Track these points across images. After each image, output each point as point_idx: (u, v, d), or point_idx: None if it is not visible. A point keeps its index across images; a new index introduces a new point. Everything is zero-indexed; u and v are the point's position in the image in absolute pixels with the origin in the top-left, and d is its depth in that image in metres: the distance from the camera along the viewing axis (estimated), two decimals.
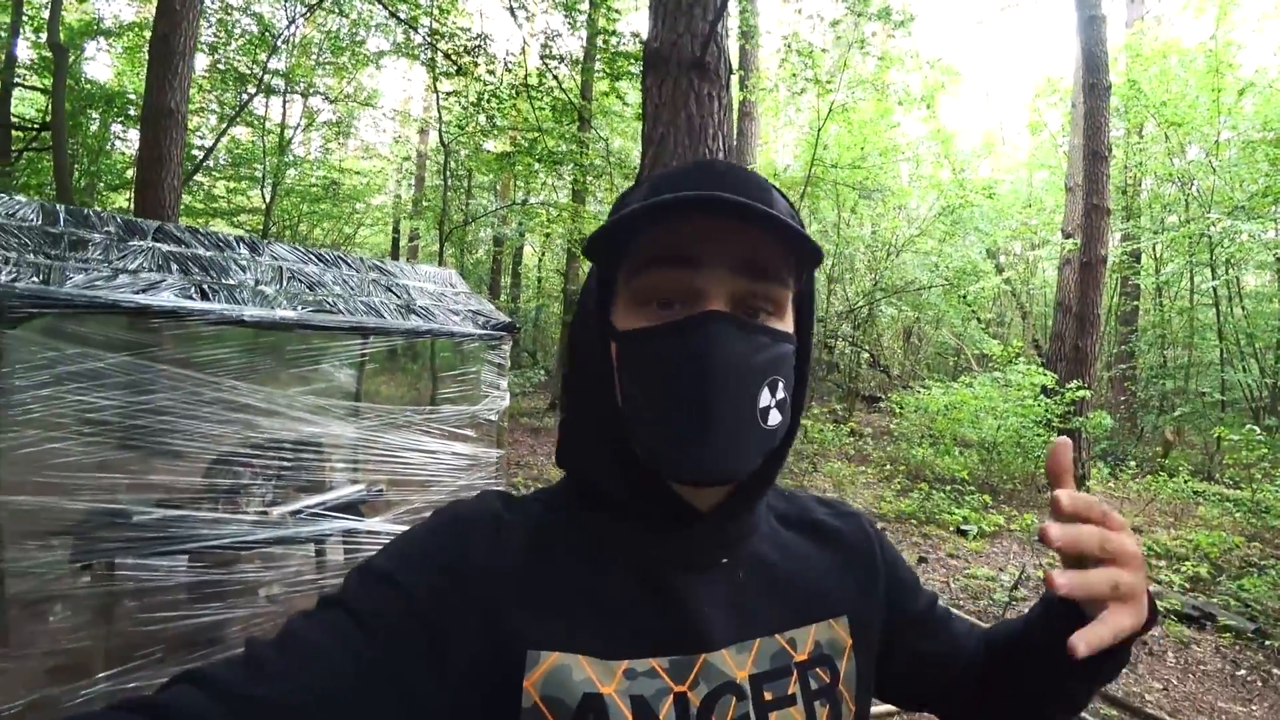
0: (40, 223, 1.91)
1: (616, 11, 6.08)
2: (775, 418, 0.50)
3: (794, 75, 7.44)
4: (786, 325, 0.52)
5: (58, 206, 2.02)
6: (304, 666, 0.44)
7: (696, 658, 0.50)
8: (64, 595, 1.86)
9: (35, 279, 1.56)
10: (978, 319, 12.31)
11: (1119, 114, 9.05)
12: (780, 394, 0.50)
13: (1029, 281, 12.93)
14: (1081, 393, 6.56)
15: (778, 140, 15.95)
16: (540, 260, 15.98)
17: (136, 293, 1.64)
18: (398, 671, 0.46)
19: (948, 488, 6.33)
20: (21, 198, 2.12)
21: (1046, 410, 6.52)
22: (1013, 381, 6.91)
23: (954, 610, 0.65)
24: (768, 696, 0.51)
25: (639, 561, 0.52)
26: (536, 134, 8.20)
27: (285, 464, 2.07)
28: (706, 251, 0.48)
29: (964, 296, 10.81)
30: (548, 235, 13.02)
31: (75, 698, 1.69)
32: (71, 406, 1.67)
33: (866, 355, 12.75)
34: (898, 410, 8.11)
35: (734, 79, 8.68)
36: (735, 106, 9.64)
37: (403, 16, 7.52)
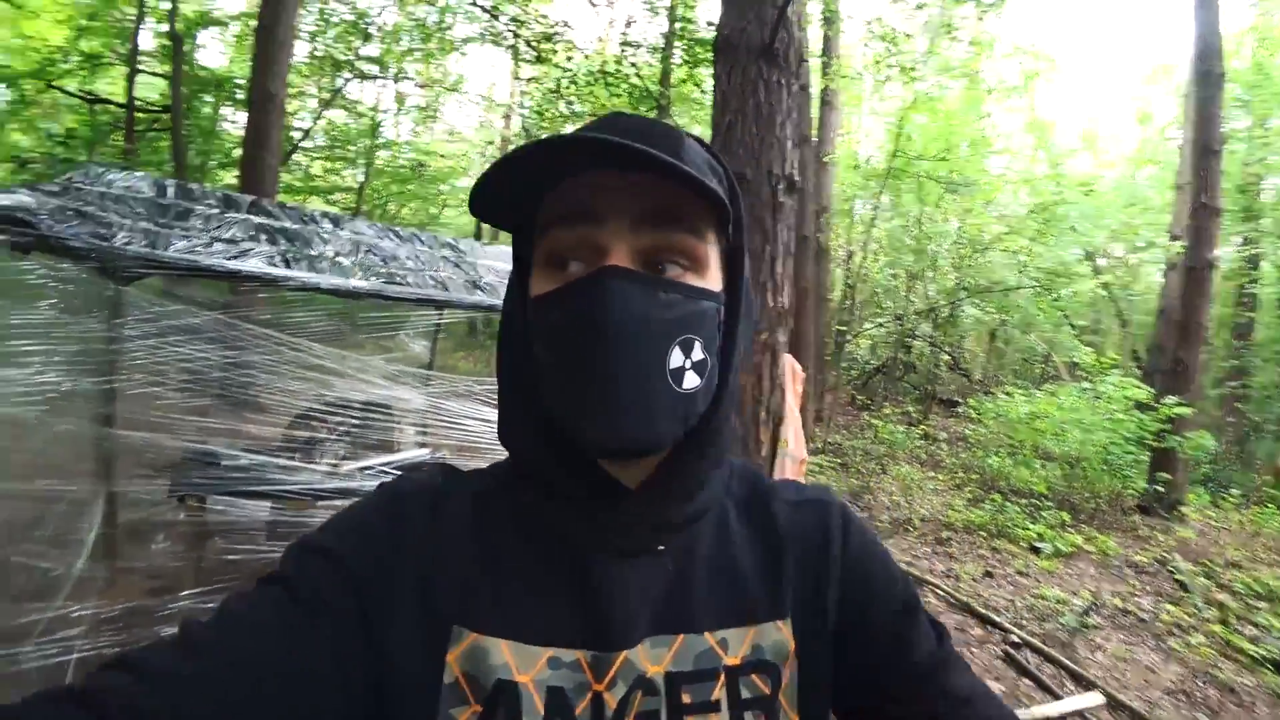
0: (153, 195, 2.13)
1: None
2: (692, 380, 0.46)
3: (877, 62, 7.18)
4: (708, 281, 0.48)
5: (167, 181, 2.24)
6: (236, 641, 0.43)
7: (617, 655, 0.47)
8: (164, 525, 2.11)
9: (145, 244, 1.75)
10: (1070, 325, 11.58)
11: (1242, 105, 8.26)
12: (698, 354, 0.46)
13: (1130, 288, 12.04)
14: (1180, 409, 6.09)
15: (860, 130, 15.45)
16: None
17: (229, 259, 1.82)
18: (331, 643, 0.44)
19: (1023, 501, 6.03)
20: (140, 173, 2.36)
21: (1139, 426, 6.10)
22: (1104, 394, 6.49)
23: (983, 686, 0.52)
24: (686, 699, 0.47)
25: (569, 544, 0.49)
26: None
27: (357, 423, 2.24)
28: (606, 204, 0.45)
29: (1056, 300, 10.20)
30: None
31: (165, 609, 1.90)
32: (172, 357, 1.87)
33: (946, 357, 12.26)
34: (975, 416, 7.78)
35: (814, 66, 8.44)
36: (817, 94, 9.43)
37: (485, 6, 7.73)
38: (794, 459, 3.49)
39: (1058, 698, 3.09)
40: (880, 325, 12.37)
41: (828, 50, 8.87)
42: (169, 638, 0.43)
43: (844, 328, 11.93)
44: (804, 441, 3.56)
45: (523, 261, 0.51)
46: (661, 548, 0.50)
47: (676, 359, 0.45)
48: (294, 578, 0.46)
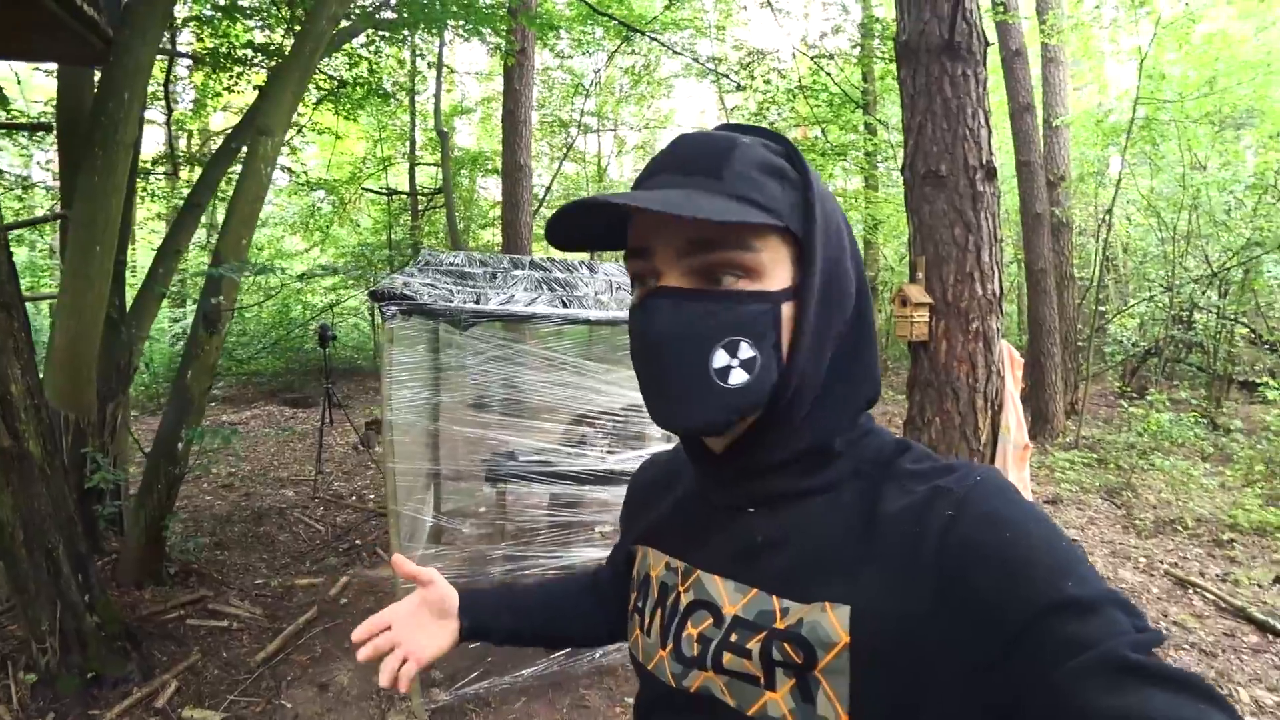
0: (468, 266, 3.02)
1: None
2: (739, 376, 0.51)
3: (1099, 5, 6.46)
4: (765, 284, 0.52)
5: (475, 254, 3.15)
6: (609, 560, 0.85)
7: (694, 570, 0.60)
8: (483, 499, 3.00)
9: (473, 301, 2.55)
10: None
11: None
12: (746, 352, 0.51)
13: None
14: None
15: (1101, 78, 13.51)
16: None
17: (526, 305, 2.56)
18: (623, 553, 0.78)
19: None
20: (458, 254, 3.29)
21: None
22: None
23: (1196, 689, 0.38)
24: (733, 638, 0.54)
25: (699, 493, 0.64)
26: (819, 126, 8.45)
27: (617, 422, 2.89)
28: (655, 238, 0.53)
29: None
30: None
31: (489, 555, 2.73)
32: (496, 378, 2.68)
33: (1244, 329, 10.16)
34: (1279, 397, 6.50)
35: (1030, 26, 7.75)
36: (1036, 53, 8.59)
37: (680, 50, 8.45)
38: (1016, 445, 3.47)
39: None
40: (1150, 299, 10.68)
41: (1042, 5, 8.14)
42: (597, 566, 0.88)
43: (1102, 307, 10.53)
44: (1025, 427, 3.51)
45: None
46: (752, 511, 0.57)
47: (721, 359, 0.51)
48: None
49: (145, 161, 5.75)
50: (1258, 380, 8.16)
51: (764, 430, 0.55)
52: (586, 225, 0.57)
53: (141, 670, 2.79)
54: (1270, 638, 3.41)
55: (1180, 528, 4.91)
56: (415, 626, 0.74)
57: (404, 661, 0.71)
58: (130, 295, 4.14)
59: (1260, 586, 4.00)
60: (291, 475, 6.09)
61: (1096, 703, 0.37)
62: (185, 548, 3.92)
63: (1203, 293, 9.51)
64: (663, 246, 0.53)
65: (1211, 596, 3.85)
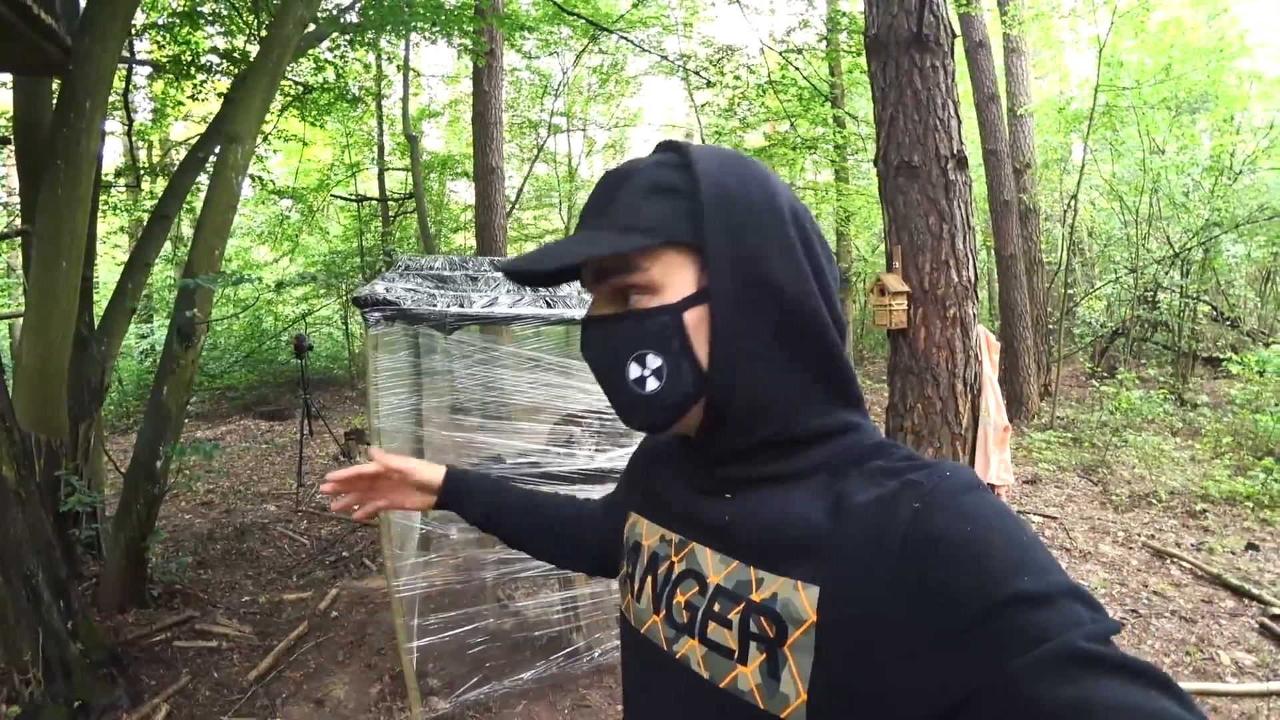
0: (449, 270, 2.99)
1: None
2: (652, 384, 0.56)
3: None
4: (665, 296, 0.56)
5: (455, 258, 3.11)
6: (601, 504, 0.90)
7: (689, 543, 0.63)
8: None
9: (457, 305, 2.53)
10: None
11: None
12: (653, 362, 0.56)
13: None
14: None
15: (1062, 67, 13.83)
16: None
17: (510, 306, 2.54)
18: (615, 517, 0.80)
19: None
20: (439, 257, 3.25)
21: None
22: None
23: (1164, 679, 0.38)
24: (716, 607, 0.56)
25: (684, 468, 0.68)
26: (789, 121, 8.51)
27: (604, 421, 2.88)
28: (584, 275, 0.62)
29: None
30: (816, 215, 13.22)
31: (485, 556, 2.70)
32: (483, 380, 2.66)
33: (1206, 307, 10.46)
34: (1243, 371, 6.72)
35: (992, 16, 7.87)
36: (998, 44, 8.75)
37: (647, 48, 8.46)
38: (996, 428, 3.54)
39: None
40: (1115, 281, 10.95)
41: None
42: (595, 501, 0.92)
43: (1070, 290, 10.77)
44: (1004, 410, 3.58)
45: None
46: (729, 495, 0.60)
47: (634, 371, 0.57)
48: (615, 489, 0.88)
49: (107, 174, 5.61)
50: (1221, 355, 8.42)
51: (711, 421, 0.58)
52: (538, 272, 0.62)
53: (130, 696, 2.72)
54: (1246, 602, 3.53)
55: (1155, 501, 5.05)
56: (394, 486, 0.88)
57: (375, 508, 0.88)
58: (98, 311, 4.04)
59: (1234, 553, 4.13)
60: (272, 489, 5.99)
61: (1049, 694, 0.38)
62: (168, 568, 3.83)
63: (1166, 273, 9.78)
64: (587, 277, 0.61)
65: (1188, 565, 3.97)
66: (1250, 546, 4.19)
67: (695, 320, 0.55)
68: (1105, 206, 11.50)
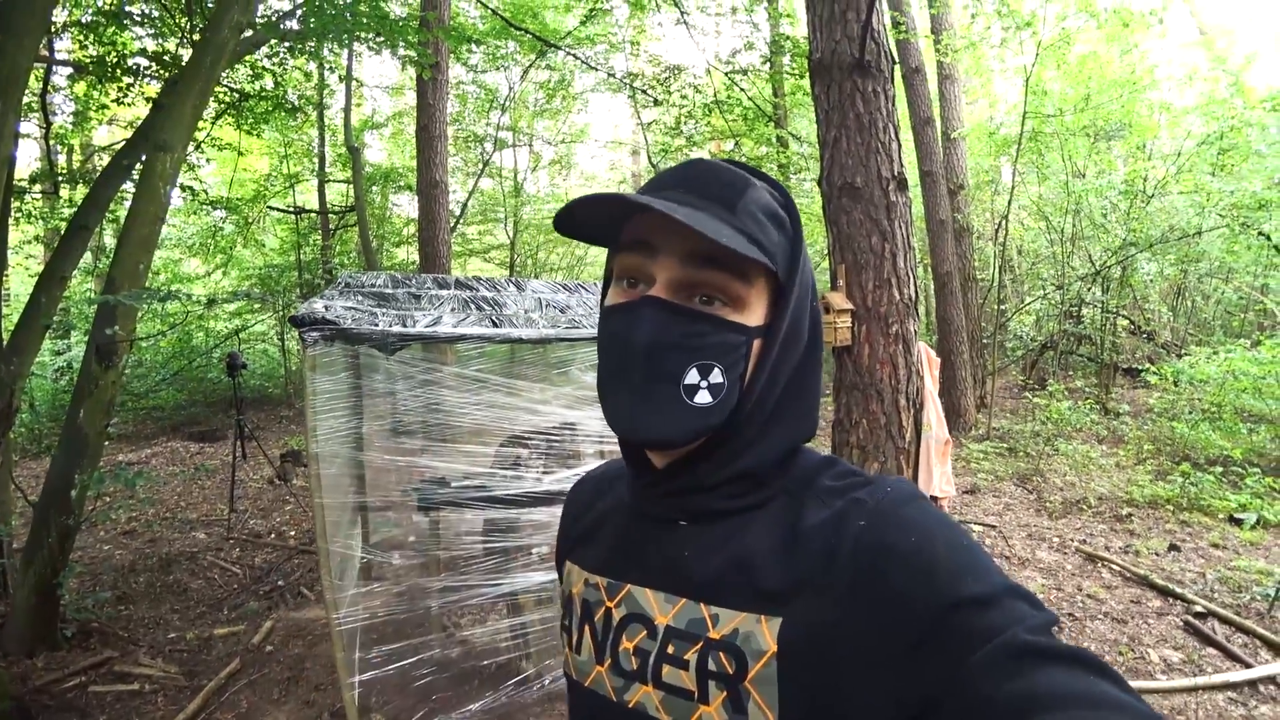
0: (392, 288, 2.90)
1: (789, 18, 6.34)
2: (704, 398, 0.53)
3: (988, 27, 6.99)
4: (744, 317, 0.55)
5: (398, 275, 3.02)
6: None
7: (623, 585, 0.60)
8: (413, 528, 2.86)
9: (399, 324, 2.45)
10: None
11: None
12: (716, 378, 0.53)
13: None
14: None
15: (994, 95, 14.56)
16: None
17: (454, 326, 2.48)
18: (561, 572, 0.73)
19: (1217, 469, 5.53)
20: (381, 274, 3.15)
21: None
22: None
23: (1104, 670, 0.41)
24: (670, 650, 0.54)
25: (631, 505, 0.63)
26: (734, 140, 8.68)
27: (551, 442, 2.83)
28: (663, 240, 0.54)
29: (1265, 236, 8.77)
30: None
31: (425, 588, 2.61)
32: (421, 401, 2.58)
33: (1125, 321, 11.12)
34: (1159, 382, 7.13)
35: (926, 44, 8.24)
36: (933, 72, 9.16)
37: (595, 66, 8.51)
38: (938, 441, 3.65)
39: (1249, 667, 2.98)
40: (1043, 298, 11.53)
41: (936, 28, 8.68)
42: None
43: (1002, 306, 11.26)
44: (945, 423, 3.70)
45: (607, 274, 0.62)
46: (683, 523, 0.58)
47: (692, 377, 0.53)
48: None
49: (20, 179, 5.26)
50: (1139, 367, 8.94)
51: (709, 453, 0.57)
52: (592, 217, 0.57)
53: None
54: (1171, 601, 3.72)
55: (1085, 507, 5.29)
56: None
57: None
58: (7, 326, 3.76)
59: (1158, 555, 4.36)
60: (202, 516, 5.67)
61: (999, 689, 0.40)
62: (83, 605, 3.57)
63: (1088, 289, 10.36)
64: (669, 249, 0.55)
65: (1117, 568, 4.16)
66: (1172, 547, 4.42)
67: (755, 351, 0.56)
68: (1033, 226, 12.12)
